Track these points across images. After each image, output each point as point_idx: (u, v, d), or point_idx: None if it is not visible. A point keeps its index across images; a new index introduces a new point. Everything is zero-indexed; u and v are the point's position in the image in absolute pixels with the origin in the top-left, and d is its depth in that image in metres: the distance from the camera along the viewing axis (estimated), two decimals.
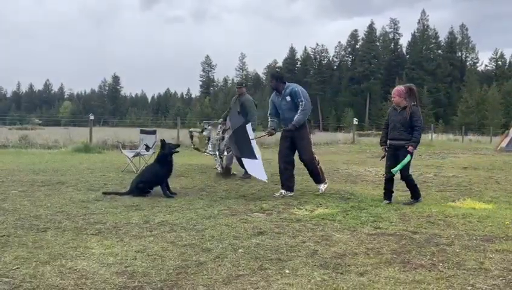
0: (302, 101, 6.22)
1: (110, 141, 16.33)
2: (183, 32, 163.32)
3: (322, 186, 6.53)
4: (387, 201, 5.86)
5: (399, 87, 5.92)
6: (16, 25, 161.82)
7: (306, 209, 5.32)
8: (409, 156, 5.66)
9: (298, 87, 6.35)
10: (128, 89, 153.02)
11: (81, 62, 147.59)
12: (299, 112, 6.21)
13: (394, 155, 5.79)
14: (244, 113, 7.98)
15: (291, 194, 6.29)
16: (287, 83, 6.47)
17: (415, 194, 5.93)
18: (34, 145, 15.82)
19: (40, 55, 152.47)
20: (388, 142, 5.91)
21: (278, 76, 6.55)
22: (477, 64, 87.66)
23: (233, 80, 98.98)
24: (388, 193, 5.91)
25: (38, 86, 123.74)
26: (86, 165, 9.89)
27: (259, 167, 6.48)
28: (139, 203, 5.54)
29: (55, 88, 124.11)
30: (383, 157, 5.97)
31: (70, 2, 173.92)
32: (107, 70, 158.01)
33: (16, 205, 5.29)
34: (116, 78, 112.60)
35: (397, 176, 5.80)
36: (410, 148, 5.66)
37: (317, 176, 6.52)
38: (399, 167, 5.65)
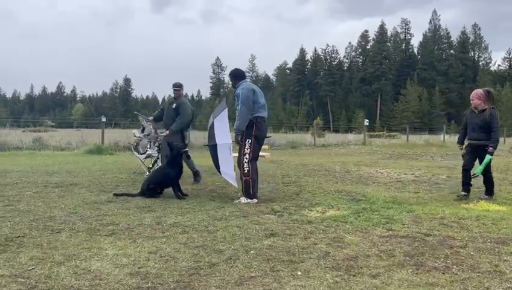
0: (238, 106, 5.84)
1: (121, 142, 16.49)
2: (193, 34, 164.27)
3: (242, 199, 5.83)
4: (465, 193, 6.32)
5: (478, 91, 6.34)
6: (29, 28, 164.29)
7: (317, 211, 5.30)
8: (489, 156, 6.08)
9: (243, 89, 5.89)
10: (139, 91, 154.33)
11: (92, 64, 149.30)
12: (236, 117, 5.88)
13: (472, 152, 6.29)
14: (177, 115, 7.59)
15: (253, 201, 5.80)
16: (243, 81, 6.10)
17: (490, 191, 6.38)
18: (47, 147, 16.03)
19: (53, 58, 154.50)
20: (467, 142, 6.41)
21: (232, 74, 6.26)
22: (490, 64, 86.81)
23: None
24: (467, 185, 6.34)
25: (51, 89, 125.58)
26: (99, 167, 9.98)
27: (231, 168, 6.15)
28: (151, 204, 5.58)
29: (67, 90, 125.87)
30: (463, 155, 6.46)
31: (82, 4, 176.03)
32: (119, 73, 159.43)
33: (31, 206, 5.37)
34: (127, 80, 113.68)
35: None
36: (490, 149, 6.05)
37: (244, 186, 5.88)
38: (482, 167, 6.14)
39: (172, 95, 8.09)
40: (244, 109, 5.82)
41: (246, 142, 5.88)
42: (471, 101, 6.29)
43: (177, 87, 7.95)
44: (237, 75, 6.20)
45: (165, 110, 8.03)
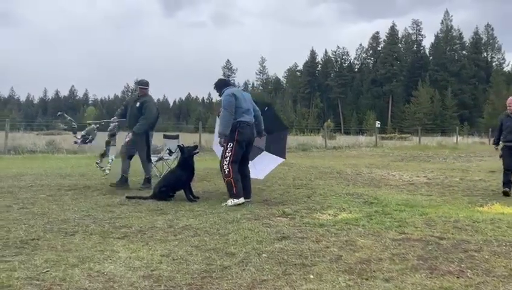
0: (220, 111, 6.04)
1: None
2: (204, 37, 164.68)
3: (229, 201, 5.82)
4: (507, 188, 7.03)
5: None
6: (41, 32, 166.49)
7: (329, 214, 5.28)
8: None
9: (225, 96, 6.01)
10: (150, 94, 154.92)
11: (104, 68, 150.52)
12: (219, 122, 6.06)
13: (510, 154, 7.19)
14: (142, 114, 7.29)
15: (239, 201, 5.82)
16: (227, 88, 6.20)
17: None
18: (60, 150, 16.22)
19: (66, 62, 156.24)
20: (504, 144, 7.31)
21: (215, 85, 6.36)
22: (504, 65, 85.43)
23: (253, 83, 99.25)
24: (508, 183, 7.09)
25: (64, 92, 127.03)
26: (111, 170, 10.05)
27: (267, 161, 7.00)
28: (163, 207, 5.61)
29: (80, 94, 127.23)
30: (501, 156, 7.38)
31: (93, 8, 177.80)
32: (130, 76, 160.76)
33: (45, 209, 5.44)
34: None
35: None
36: None
37: (227, 188, 5.98)
38: None
39: (137, 93, 7.69)
40: (226, 114, 5.92)
41: (228, 146, 5.97)
42: (508, 107, 7.21)
43: (144, 85, 7.59)
44: (220, 85, 6.39)
45: (128, 109, 7.58)
